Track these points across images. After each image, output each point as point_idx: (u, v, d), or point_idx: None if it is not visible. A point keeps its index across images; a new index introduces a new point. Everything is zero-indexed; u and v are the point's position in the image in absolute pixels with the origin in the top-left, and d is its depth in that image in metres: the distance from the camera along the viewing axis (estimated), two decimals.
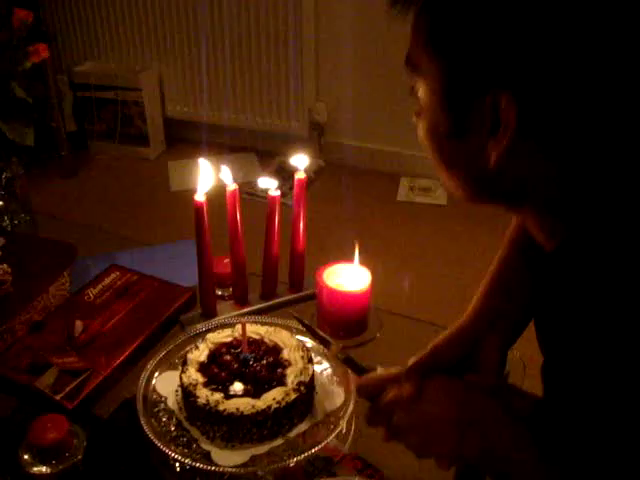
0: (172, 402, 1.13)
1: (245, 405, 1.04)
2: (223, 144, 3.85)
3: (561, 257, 0.79)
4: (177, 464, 1.07)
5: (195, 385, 1.08)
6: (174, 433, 1.08)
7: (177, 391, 1.14)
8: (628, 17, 0.64)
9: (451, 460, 0.89)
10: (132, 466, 1.09)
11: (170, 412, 1.11)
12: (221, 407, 1.04)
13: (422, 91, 0.78)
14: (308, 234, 1.41)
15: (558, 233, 0.80)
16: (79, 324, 1.29)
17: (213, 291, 1.36)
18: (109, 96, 3.78)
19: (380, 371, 0.97)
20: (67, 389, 1.15)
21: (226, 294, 1.43)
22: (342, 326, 1.33)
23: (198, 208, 1.26)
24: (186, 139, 3.97)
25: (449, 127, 0.76)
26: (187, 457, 1.03)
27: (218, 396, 1.06)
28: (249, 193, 3.20)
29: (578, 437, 0.78)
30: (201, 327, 1.25)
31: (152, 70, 3.81)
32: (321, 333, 1.10)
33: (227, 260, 1.40)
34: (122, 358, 1.24)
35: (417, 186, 3.51)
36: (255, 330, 1.19)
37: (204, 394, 1.06)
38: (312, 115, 3.64)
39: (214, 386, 1.09)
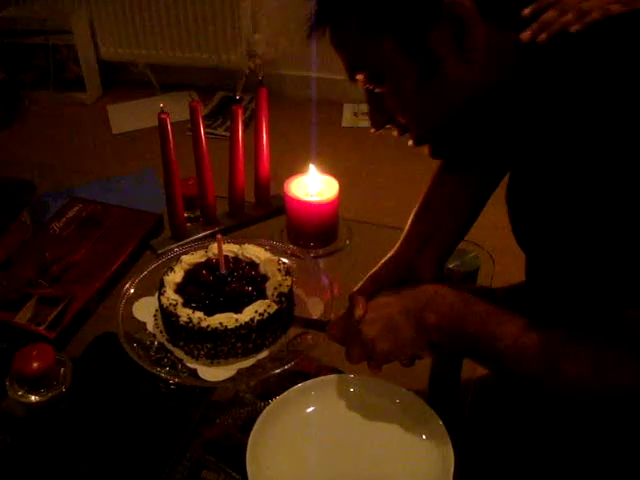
0: (152, 326, 1.13)
1: (228, 319, 1.04)
2: (161, 84, 3.76)
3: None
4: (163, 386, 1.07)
5: (175, 305, 1.07)
6: (158, 355, 1.08)
7: (156, 315, 1.14)
8: None
9: (426, 350, 0.95)
10: (119, 393, 1.08)
11: (151, 336, 1.11)
12: (204, 324, 1.04)
13: (379, 70, 0.86)
14: None
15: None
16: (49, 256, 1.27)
17: (182, 212, 1.33)
18: (39, 41, 3.62)
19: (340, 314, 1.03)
20: (48, 319, 1.13)
21: (193, 216, 1.41)
22: (312, 236, 1.33)
23: (162, 121, 1.22)
24: (123, 81, 3.87)
25: (422, 73, 0.83)
26: (174, 376, 1.04)
27: (199, 314, 1.06)
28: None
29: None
30: (175, 249, 1.25)
31: (82, 11, 3.65)
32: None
33: (192, 182, 1.38)
34: (99, 284, 1.22)
35: (360, 111, 3.50)
36: (228, 248, 1.18)
37: (185, 313, 1.05)
38: (250, 48, 3.56)
39: (194, 305, 1.08)
